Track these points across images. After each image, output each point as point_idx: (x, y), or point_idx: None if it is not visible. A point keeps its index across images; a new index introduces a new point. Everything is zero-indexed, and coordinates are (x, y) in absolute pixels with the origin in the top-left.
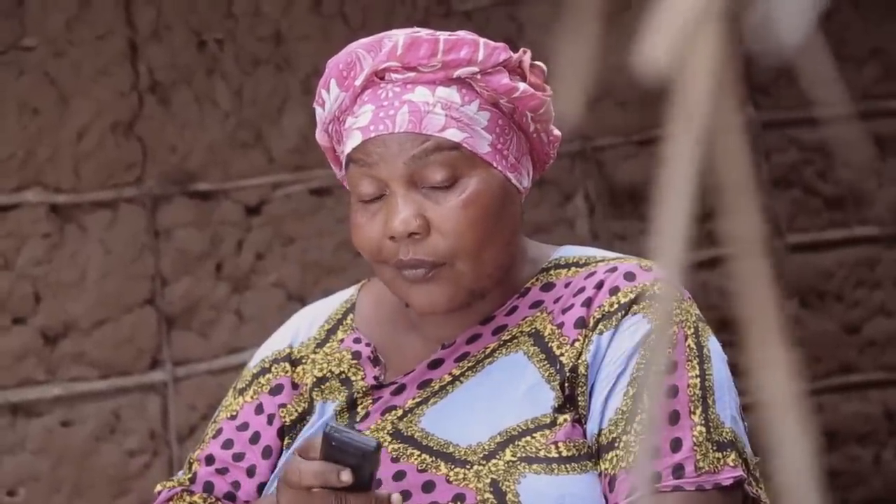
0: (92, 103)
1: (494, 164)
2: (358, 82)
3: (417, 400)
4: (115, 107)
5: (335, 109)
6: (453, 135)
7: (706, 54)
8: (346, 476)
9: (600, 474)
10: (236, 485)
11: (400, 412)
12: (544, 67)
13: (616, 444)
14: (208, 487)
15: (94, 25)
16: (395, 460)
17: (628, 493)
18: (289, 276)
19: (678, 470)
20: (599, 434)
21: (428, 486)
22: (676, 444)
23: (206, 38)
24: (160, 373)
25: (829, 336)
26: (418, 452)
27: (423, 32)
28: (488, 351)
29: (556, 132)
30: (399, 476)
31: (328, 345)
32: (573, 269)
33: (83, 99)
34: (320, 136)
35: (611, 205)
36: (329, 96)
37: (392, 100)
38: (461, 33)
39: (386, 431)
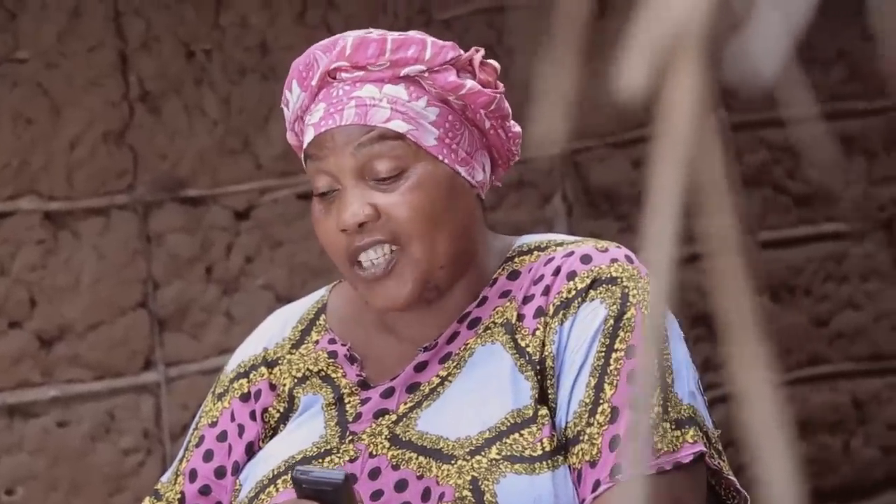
0: (84, 113)
1: (441, 157)
2: (314, 82)
3: (410, 404)
4: (107, 116)
5: (297, 109)
6: (398, 126)
7: (685, 71)
8: None
9: (570, 468)
10: None
11: (394, 417)
12: (496, 66)
13: (581, 438)
14: None
15: (85, 38)
16: (395, 468)
17: (593, 487)
18: (277, 279)
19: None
20: (566, 428)
21: (425, 495)
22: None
23: (195, 48)
24: (153, 374)
25: (799, 329)
26: (416, 455)
27: (375, 33)
28: (468, 346)
29: (516, 128)
30: (401, 486)
31: (303, 346)
32: (535, 253)
33: (75, 109)
34: (289, 136)
35: (588, 205)
36: (292, 96)
37: (342, 97)
38: (410, 33)
39: (383, 437)
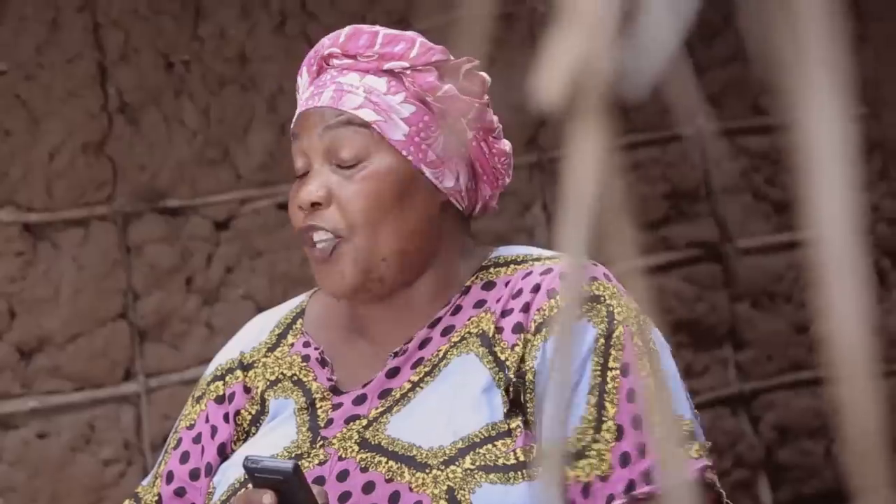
0: (63, 124)
1: (405, 153)
2: (314, 67)
3: (381, 409)
4: (86, 127)
5: (301, 95)
6: (366, 114)
7: (592, 85)
8: (268, 499)
9: (570, 481)
10: None
11: (364, 421)
12: (486, 78)
13: (587, 453)
14: None
15: (64, 49)
16: (364, 470)
17: (606, 501)
18: (258, 289)
19: (648, 475)
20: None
21: (394, 498)
22: (643, 449)
23: (174, 59)
24: (133, 384)
25: (780, 335)
26: (385, 460)
27: (372, 27)
28: (441, 353)
29: (503, 146)
30: (369, 488)
31: (279, 349)
32: (512, 266)
33: (54, 120)
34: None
35: None
36: (301, 84)
37: (326, 81)
38: (406, 32)
39: (353, 441)
